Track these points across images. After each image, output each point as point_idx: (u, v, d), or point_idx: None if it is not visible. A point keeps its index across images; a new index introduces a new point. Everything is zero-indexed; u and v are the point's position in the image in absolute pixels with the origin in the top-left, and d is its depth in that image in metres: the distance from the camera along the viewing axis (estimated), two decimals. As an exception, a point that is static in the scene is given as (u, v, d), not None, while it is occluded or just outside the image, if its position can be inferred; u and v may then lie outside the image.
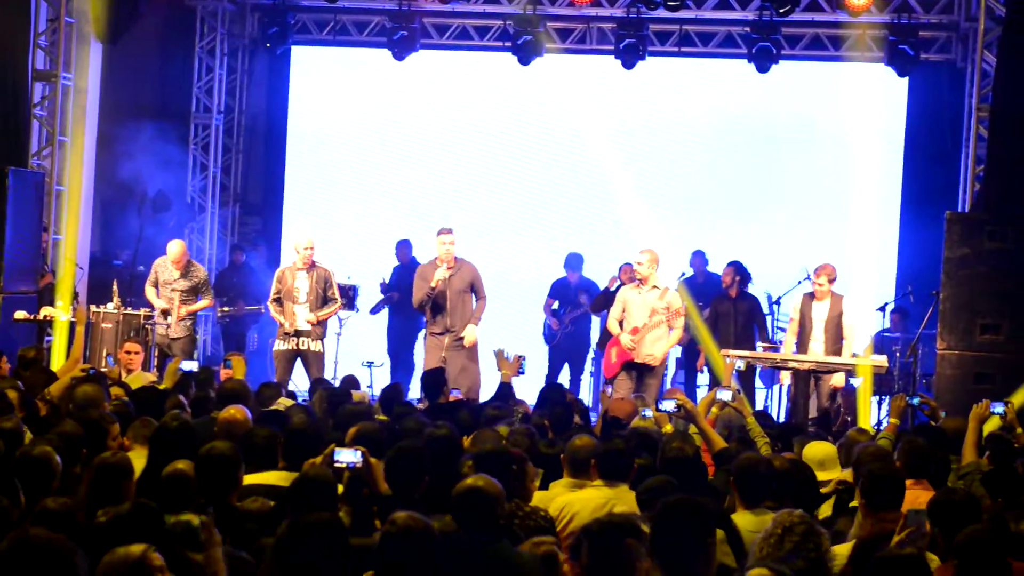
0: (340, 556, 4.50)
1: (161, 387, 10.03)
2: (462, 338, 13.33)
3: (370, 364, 15.73)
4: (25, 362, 10.79)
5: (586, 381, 15.88)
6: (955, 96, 15.97)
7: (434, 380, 10.78)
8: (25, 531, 4.23)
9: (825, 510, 6.98)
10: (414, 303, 13.71)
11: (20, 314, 13.69)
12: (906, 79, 16.28)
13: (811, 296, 13.50)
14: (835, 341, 13.27)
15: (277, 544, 4.57)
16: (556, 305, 15.40)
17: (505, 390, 10.79)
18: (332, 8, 17.00)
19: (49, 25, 15.37)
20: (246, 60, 18.47)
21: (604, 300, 14.53)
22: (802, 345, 13.38)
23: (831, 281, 13.36)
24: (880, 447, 8.01)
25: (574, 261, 15.59)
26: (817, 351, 13.25)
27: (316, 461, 6.52)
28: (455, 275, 13.35)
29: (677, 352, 15.08)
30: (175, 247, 14.04)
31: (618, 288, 14.03)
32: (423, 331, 14.46)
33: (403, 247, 16.17)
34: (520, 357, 11.28)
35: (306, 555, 4.41)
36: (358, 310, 15.92)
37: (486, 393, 12.55)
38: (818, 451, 7.75)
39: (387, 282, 15.99)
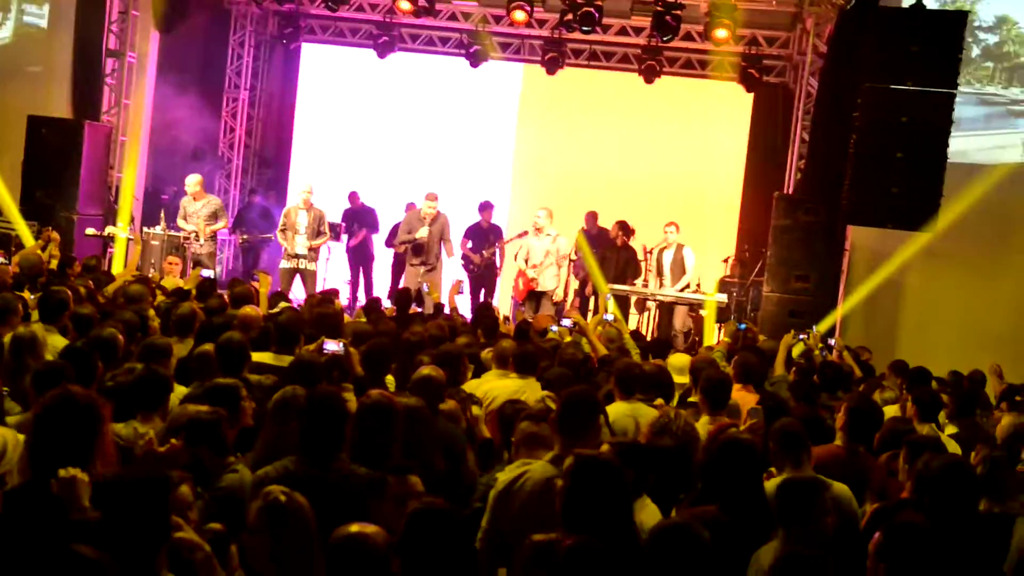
0: (342, 418, 4.48)
1: (185, 287, 9.90)
2: (433, 268, 13.78)
3: (347, 282, 15.62)
4: (88, 267, 10.65)
5: (504, 301, 15.84)
6: (786, 109, 16.01)
7: (405, 297, 10.76)
8: (66, 388, 4.12)
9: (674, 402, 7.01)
10: (396, 244, 13.94)
11: (90, 231, 13.51)
12: (752, 95, 16.31)
13: (662, 247, 13.76)
14: (678, 277, 13.56)
15: (300, 412, 4.55)
16: (469, 244, 14.76)
17: (438, 308, 10.81)
18: (333, 16, 16.73)
19: (119, 16, 15.03)
20: (267, 51, 18.18)
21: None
22: (658, 282, 13.67)
23: (676, 233, 13.68)
24: (711, 358, 8.12)
25: (485, 208, 15.06)
26: (667, 286, 13.53)
27: (310, 348, 6.50)
28: (434, 225, 13.59)
29: (575, 284, 15.15)
30: (192, 177, 13.86)
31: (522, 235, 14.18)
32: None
33: (353, 196, 15.93)
34: (460, 281, 11.31)
35: (318, 417, 4.40)
36: (341, 242, 15.76)
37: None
38: (679, 360, 7.83)
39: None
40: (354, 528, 3.32)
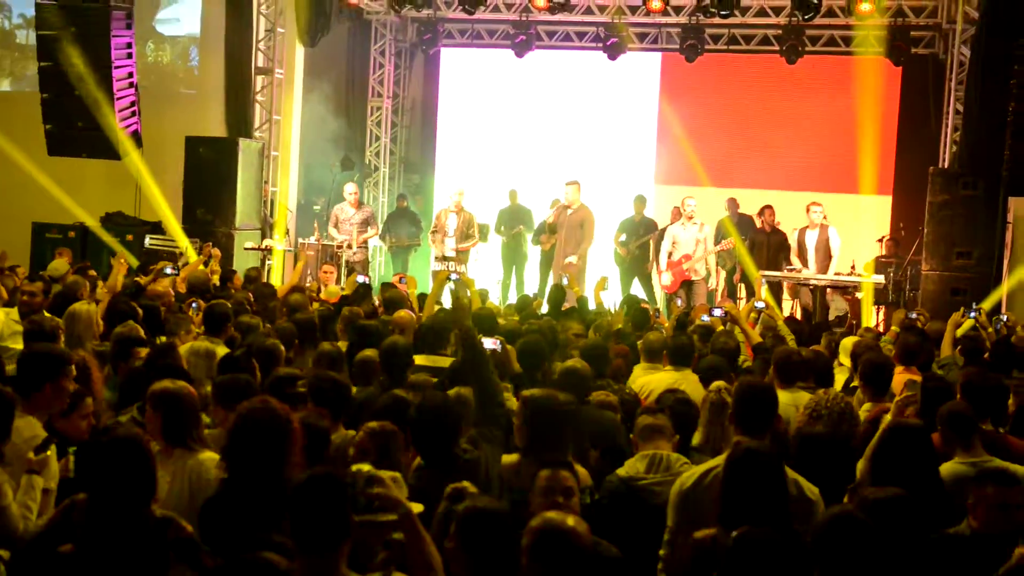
0: (497, 411, 4.60)
1: (344, 292, 10.17)
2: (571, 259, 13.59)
3: (497, 281, 15.70)
4: (250, 278, 11.05)
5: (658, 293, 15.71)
6: (937, 80, 15.47)
7: (559, 294, 10.70)
8: (255, 401, 4.31)
9: (837, 386, 6.84)
10: (539, 240, 13.94)
11: (248, 244, 13.97)
12: (900, 68, 15.78)
13: (805, 227, 13.39)
14: (824, 260, 13.17)
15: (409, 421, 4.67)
16: (623, 237, 14.84)
17: (581, 303, 10.70)
18: (470, 19, 16.87)
19: (266, 34, 15.48)
20: (408, 59, 18.47)
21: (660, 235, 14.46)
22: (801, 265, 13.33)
23: (821, 214, 13.29)
24: (870, 342, 7.87)
25: (639, 201, 15.11)
26: (810, 270, 13.15)
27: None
28: (574, 213, 13.54)
29: (724, 274, 14.98)
30: (351, 185, 14.34)
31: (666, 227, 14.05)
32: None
33: (512, 193, 16.05)
34: (605, 277, 11.23)
35: (426, 424, 4.57)
36: (489, 243, 15.84)
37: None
38: (850, 343, 7.61)
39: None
40: (551, 515, 3.35)
